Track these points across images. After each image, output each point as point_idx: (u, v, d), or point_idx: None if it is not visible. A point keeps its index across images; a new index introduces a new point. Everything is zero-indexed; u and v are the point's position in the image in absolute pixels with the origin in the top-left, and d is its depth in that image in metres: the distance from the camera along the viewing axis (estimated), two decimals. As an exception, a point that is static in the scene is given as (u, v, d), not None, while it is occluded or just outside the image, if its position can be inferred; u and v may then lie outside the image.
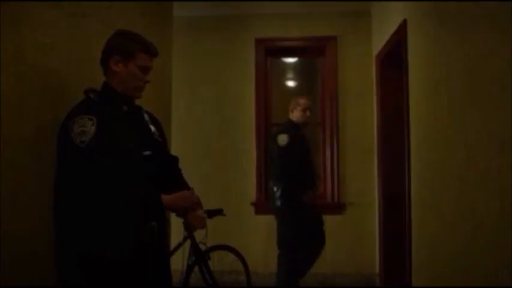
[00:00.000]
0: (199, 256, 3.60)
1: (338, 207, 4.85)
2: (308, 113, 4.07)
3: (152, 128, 2.09)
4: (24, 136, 1.75)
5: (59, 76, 1.98)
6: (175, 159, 2.20)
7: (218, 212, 3.75)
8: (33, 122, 1.81)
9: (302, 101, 4.07)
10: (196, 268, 3.62)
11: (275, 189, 3.94)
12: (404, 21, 3.43)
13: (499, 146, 1.96)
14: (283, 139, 3.88)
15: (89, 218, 1.76)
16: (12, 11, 1.70)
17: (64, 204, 1.81)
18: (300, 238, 3.88)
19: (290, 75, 5.56)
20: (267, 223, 4.87)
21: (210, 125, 5.05)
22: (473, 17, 2.26)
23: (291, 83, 5.60)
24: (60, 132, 1.82)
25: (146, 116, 2.12)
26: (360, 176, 4.86)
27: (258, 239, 4.86)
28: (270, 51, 5.16)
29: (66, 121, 1.81)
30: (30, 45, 1.80)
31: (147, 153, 1.95)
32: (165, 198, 1.92)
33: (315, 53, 5.20)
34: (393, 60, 4.01)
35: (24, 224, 1.74)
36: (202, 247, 3.62)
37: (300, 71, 5.59)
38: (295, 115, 4.06)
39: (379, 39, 4.43)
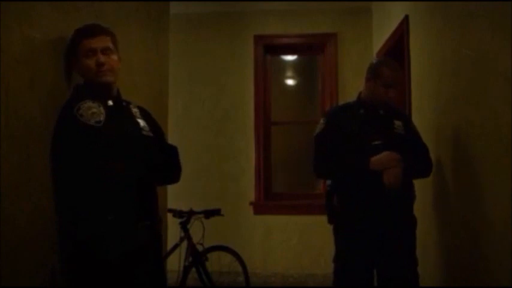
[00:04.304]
0: (197, 257, 3.55)
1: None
2: (392, 92, 2.56)
3: (141, 122, 2.00)
4: (11, 134, 1.68)
5: (50, 71, 1.91)
6: (172, 151, 2.11)
7: (216, 212, 3.70)
8: (22, 119, 1.74)
9: (387, 70, 2.56)
10: (193, 269, 3.57)
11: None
12: (406, 17, 3.38)
13: (504, 144, 1.91)
14: (319, 124, 2.71)
15: (90, 212, 1.74)
16: (3, 5, 1.62)
17: (68, 202, 1.77)
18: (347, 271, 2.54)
19: (289, 72, 5.49)
20: (266, 223, 4.82)
21: (208, 123, 4.98)
22: (476, 12, 2.22)
23: (290, 81, 5.54)
24: (62, 123, 1.79)
25: (135, 110, 2.04)
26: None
27: (256, 239, 4.79)
28: (269, 48, 5.09)
29: (68, 111, 1.78)
30: (19, 40, 1.73)
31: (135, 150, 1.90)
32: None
33: (315, 50, 5.13)
34: (395, 56, 3.94)
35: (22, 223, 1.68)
36: (200, 248, 3.57)
37: (299, 69, 5.53)
38: (370, 89, 2.61)
39: (380, 36, 4.37)
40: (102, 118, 1.78)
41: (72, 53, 1.92)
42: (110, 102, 1.92)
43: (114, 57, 1.95)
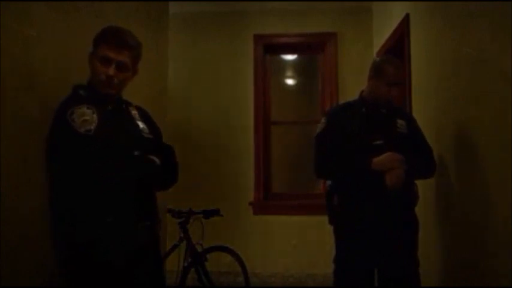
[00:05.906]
0: (196, 257, 3.54)
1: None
2: (395, 91, 2.52)
3: (141, 124, 1.99)
4: (11, 134, 1.67)
5: (49, 71, 1.91)
6: (168, 150, 2.09)
7: (215, 212, 3.69)
8: (22, 119, 1.73)
9: (390, 68, 2.50)
10: (193, 269, 3.56)
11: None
12: (407, 16, 3.37)
13: (505, 144, 1.90)
14: (320, 124, 2.66)
15: (88, 215, 1.72)
16: (3, 5, 1.62)
17: (65, 204, 1.75)
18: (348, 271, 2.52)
19: (289, 72, 5.48)
20: (266, 223, 4.82)
21: (208, 123, 4.97)
22: (476, 12, 2.22)
23: (290, 81, 5.53)
24: (55, 127, 1.75)
25: (134, 112, 2.02)
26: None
27: (256, 239, 4.78)
28: (269, 47, 5.08)
29: (61, 114, 1.75)
30: (19, 40, 1.73)
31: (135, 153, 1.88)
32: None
33: (315, 49, 5.12)
34: (395, 56, 3.94)
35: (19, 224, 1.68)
36: (199, 248, 3.56)
37: (299, 68, 5.51)
38: (372, 87, 2.56)
39: (381, 35, 4.36)
40: (92, 127, 1.73)
41: (92, 48, 1.88)
42: (109, 107, 1.89)
43: (127, 74, 1.89)
